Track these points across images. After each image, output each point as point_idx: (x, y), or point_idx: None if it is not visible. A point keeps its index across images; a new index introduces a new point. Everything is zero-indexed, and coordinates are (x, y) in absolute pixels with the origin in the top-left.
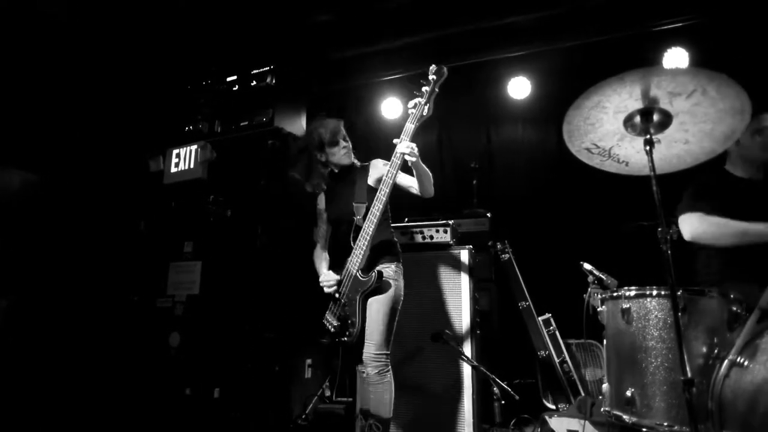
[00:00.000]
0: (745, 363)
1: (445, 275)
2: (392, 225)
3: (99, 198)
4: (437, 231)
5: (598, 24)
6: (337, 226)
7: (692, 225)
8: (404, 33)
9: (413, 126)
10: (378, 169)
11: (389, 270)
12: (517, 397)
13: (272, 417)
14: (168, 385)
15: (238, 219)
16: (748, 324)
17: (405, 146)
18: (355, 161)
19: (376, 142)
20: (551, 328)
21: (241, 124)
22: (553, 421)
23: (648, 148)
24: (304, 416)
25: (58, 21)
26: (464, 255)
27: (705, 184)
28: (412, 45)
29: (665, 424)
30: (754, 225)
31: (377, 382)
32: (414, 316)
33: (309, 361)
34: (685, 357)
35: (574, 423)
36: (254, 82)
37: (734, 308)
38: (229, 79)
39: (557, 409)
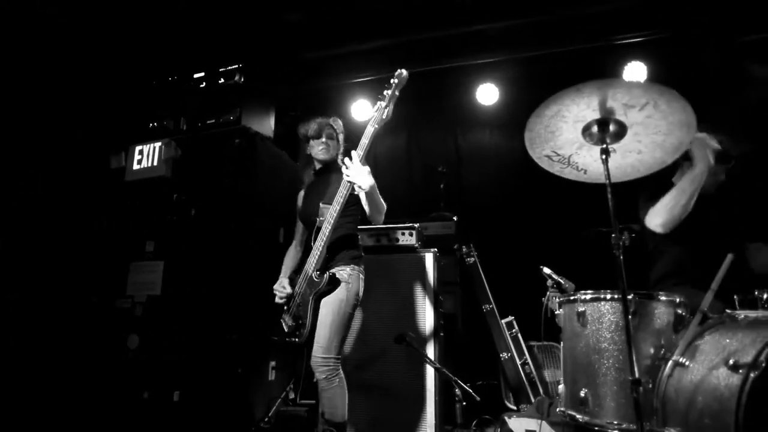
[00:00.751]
0: (687, 363)
1: (410, 278)
2: (359, 227)
3: (57, 193)
4: (403, 234)
5: (564, 35)
6: (307, 226)
7: (656, 217)
8: (375, 36)
9: (373, 129)
10: None
11: (343, 272)
12: (478, 399)
13: (234, 420)
14: (125, 389)
15: (203, 218)
16: (690, 326)
17: (352, 170)
18: (340, 161)
19: (346, 143)
20: (514, 330)
21: (208, 122)
22: (513, 422)
23: (604, 157)
24: (266, 419)
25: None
26: (429, 258)
27: (653, 189)
28: (383, 48)
29: (615, 422)
30: (684, 180)
31: (326, 388)
32: (378, 318)
33: (273, 363)
34: (634, 358)
35: (533, 423)
36: (222, 80)
37: (679, 311)
38: (196, 75)
39: (518, 410)
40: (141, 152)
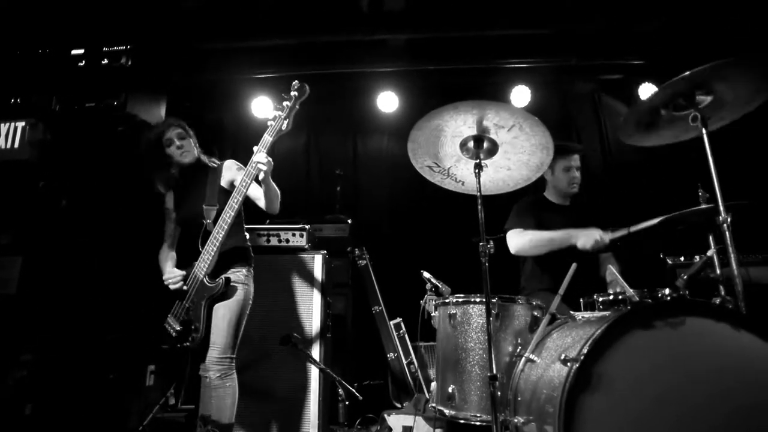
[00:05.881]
0: (535, 359)
1: (298, 279)
2: (249, 226)
3: None
4: (293, 235)
5: (460, 53)
6: (187, 229)
7: (514, 241)
8: (277, 33)
9: (271, 139)
10: (231, 171)
11: (239, 274)
12: (360, 398)
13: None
14: None
15: (76, 210)
16: (541, 326)
17: (263, 157)
18: (205, 160)
19: (245, 138)
20: (401, 331)
21: (87, 105)
22: (391, 419)
23: (477, 171)
24: (140, 428)
25: None
26: (318, 259)
27: (526, 203)
28: (285, 47)
29: (477, 415)
30: (556, 232)
31: (219, 387)
32: (264, 320)
33: (152, 367)
34: (494, 356)
35: (409, 419)
36: (106, 61)
37: (535, 313)
38: (74, 52)
39: (402, 407)
40: None
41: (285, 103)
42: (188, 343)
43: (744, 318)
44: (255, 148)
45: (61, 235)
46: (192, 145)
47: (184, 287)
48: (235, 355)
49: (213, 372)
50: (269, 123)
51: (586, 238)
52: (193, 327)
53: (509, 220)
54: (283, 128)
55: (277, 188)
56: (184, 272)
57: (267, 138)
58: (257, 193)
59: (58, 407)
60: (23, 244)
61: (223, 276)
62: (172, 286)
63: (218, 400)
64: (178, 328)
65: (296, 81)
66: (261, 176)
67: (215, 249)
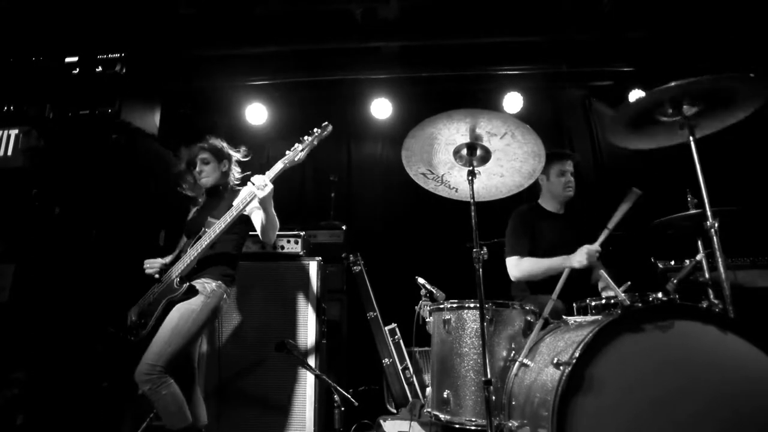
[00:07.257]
0: (529, 363)
1: (293, 285)
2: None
3: None
4: (288, 241)
5: (453, 60)
6: (189, 237)
7: (512, 271)
8: (272, 41)
9: (282, 165)
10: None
11: (207, 285)
12: (356, 404)
13: None
14: None
15: (69, 218)
16: (534, 331)
17: (261, 179)
18: (231, 181)
19: (238, 145)
20: (396, 336)
21: (81, 112)
22: (387, 425)
23: (470, 178)
24: None
25: None
26: (313, 266)
27: (521, 216)
28: (280, 54)
29: (472, 419)
30: (551, 260)
31: (156, 399)
32: (260, 326)
33: None
34: (489, 360)
35: (405, 425)
36: (100, 68)
37: (528, 318)
38: (68, 60)
39: (397, 413)
40: None
41: (306, 138)
42: (132, 337)
43: (730, 321)
44: (255, 178)
45: (54, 243)
46: (214, 167)
47: (156, 276)
48: (164, 366)
49: (143, 384)
50: (287, 152)
51: (580, 256)
52: (142, 321)
53: (507, 244)
54: (296, 159)
55: (276, 220)
56: (166, 261)
57: (278, 165)
58: (257, 221)
59: (50, 417)
60: (16, 252)
61: (188, 282)
62: (147, 270)
63: (163, 410)
64: (134, 319)
65: (326, 123)
66: (257, 199)
67: (195, 254)
